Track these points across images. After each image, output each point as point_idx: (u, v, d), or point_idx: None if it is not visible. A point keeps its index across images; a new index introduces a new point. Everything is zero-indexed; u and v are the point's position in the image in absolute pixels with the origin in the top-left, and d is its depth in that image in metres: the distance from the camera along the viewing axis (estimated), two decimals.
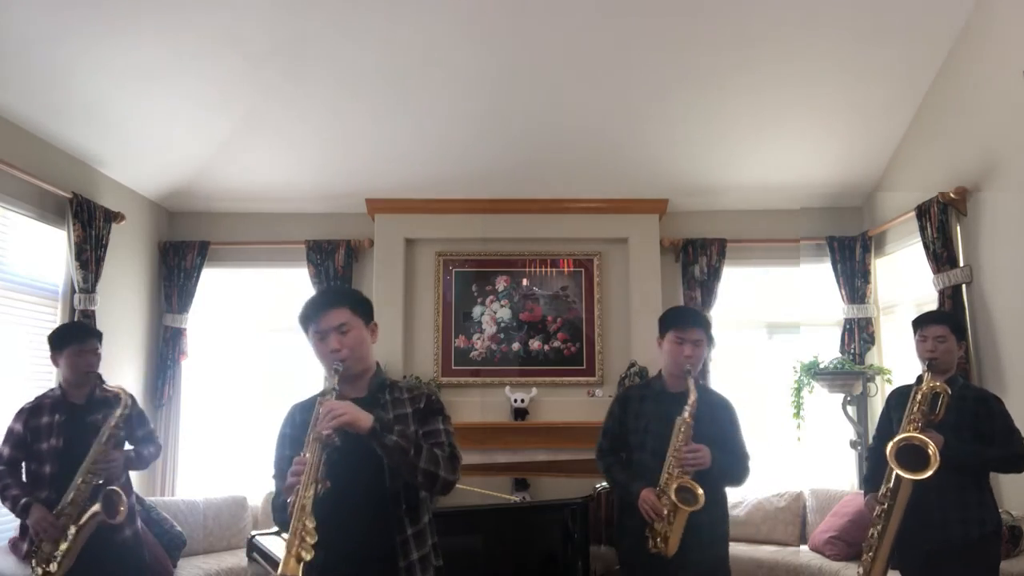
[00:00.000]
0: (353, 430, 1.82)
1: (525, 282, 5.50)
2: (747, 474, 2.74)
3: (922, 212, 4.34)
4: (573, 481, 4.06)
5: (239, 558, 4.28)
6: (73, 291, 4.36)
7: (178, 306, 5.38)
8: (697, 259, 5.35)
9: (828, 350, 5.14)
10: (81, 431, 2.98)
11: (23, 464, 3.05)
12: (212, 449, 5.42)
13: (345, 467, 1.87)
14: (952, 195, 4.14)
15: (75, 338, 3.10)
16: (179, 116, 4.50)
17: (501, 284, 5.49)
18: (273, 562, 3.09)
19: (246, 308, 5.62)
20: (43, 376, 4.06)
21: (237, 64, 4.13)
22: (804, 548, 4.45)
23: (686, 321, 2.79)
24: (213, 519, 4.65)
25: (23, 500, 2.91)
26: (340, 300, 2.05)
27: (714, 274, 5.33)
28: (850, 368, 4.92)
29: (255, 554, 3.42)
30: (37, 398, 3.12)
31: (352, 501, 1.90)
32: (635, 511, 2.67)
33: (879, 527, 2.73)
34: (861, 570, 2.81)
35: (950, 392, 2.71)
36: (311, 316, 2.03)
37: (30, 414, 3.05)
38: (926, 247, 4.31)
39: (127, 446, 3.18)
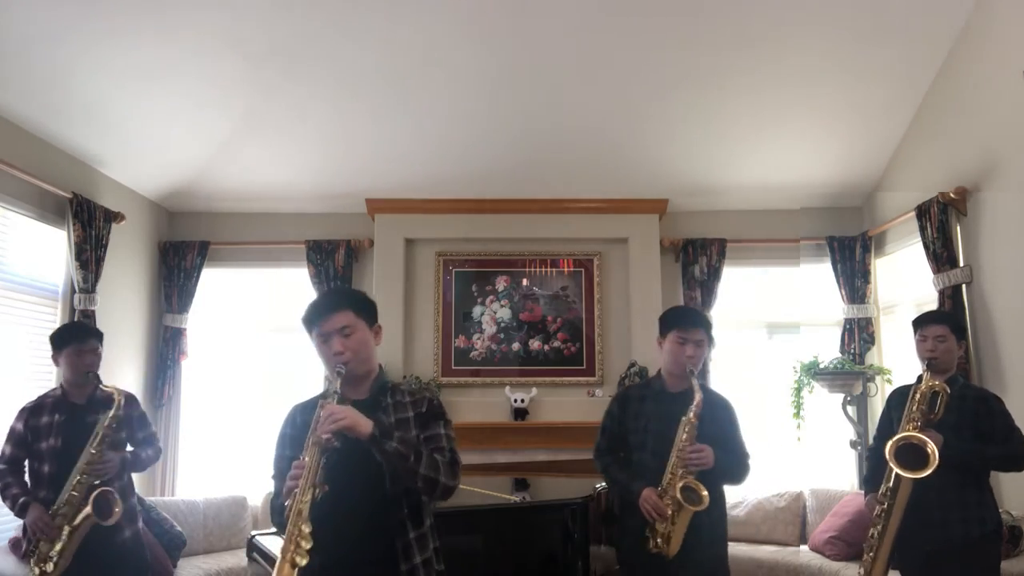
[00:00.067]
0: (353, 435, 1.81)
1: (525, 282, 5.49)
2: (747, 473, 2.75)
3: (922, 212, 4.34)
4: (573, 481, 4.06)
5: (239, 558, 4.28)
6: (73, 291, 4.36)
7: (178, 306, 5.38)
8: (697, 259, 5.35)
9: (828, 350, 5.14)
10: (80, 431, 2.97)
11: (26, 463, 3.05)
12: (212, 449, 5.42)
13: (344, 470, 1.86)
14: (952, 195, 4.14)
15: (75, 338, 3.11)
16: (179, 116, 4.50)
17: (501, 284, 5.49)
18: (273, 562, 3.08)
19: (246, 308, 5.62)
20: (43, 376, 4.06)
21: (237, 64, 4.13)
22: (804, 548, 4.44)
23: (689, 321, 2.79)
24: (213, 519, 4.65)
25: (22, 499, 2.92)
26: (343, 302, 2.02)
27: (714, 274, 5.33)
28: (850, 368, 4.92)
29: (255, 554, 3.41)
30: (39, 397, 3.13)
31: (350, 504, 1.89)
32: (635, 510, 2.67)
33: (879, 527, 2.73)
34: (862, 570, 2.82)
35: (949, 391, 2.70)
36: (314, 318, 2.00)
37: (31, 413, 3.06)
38: (926, 247, 4.31)
39: (128, 448, 3.18)
